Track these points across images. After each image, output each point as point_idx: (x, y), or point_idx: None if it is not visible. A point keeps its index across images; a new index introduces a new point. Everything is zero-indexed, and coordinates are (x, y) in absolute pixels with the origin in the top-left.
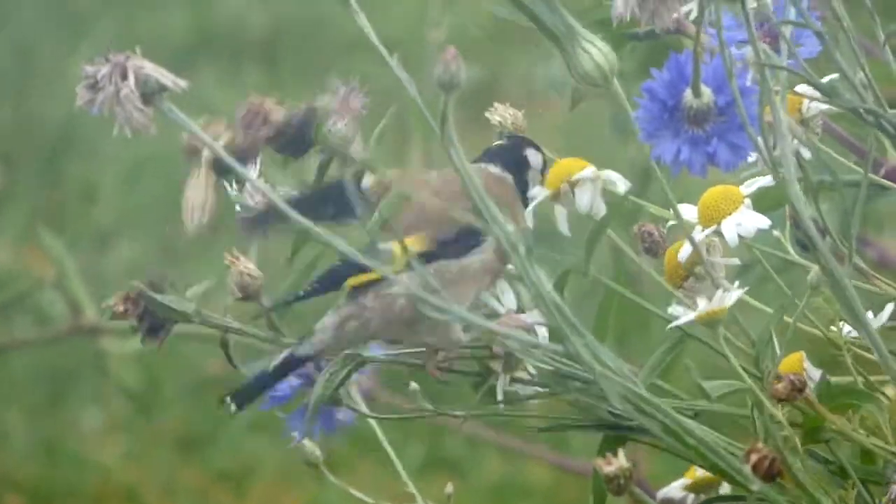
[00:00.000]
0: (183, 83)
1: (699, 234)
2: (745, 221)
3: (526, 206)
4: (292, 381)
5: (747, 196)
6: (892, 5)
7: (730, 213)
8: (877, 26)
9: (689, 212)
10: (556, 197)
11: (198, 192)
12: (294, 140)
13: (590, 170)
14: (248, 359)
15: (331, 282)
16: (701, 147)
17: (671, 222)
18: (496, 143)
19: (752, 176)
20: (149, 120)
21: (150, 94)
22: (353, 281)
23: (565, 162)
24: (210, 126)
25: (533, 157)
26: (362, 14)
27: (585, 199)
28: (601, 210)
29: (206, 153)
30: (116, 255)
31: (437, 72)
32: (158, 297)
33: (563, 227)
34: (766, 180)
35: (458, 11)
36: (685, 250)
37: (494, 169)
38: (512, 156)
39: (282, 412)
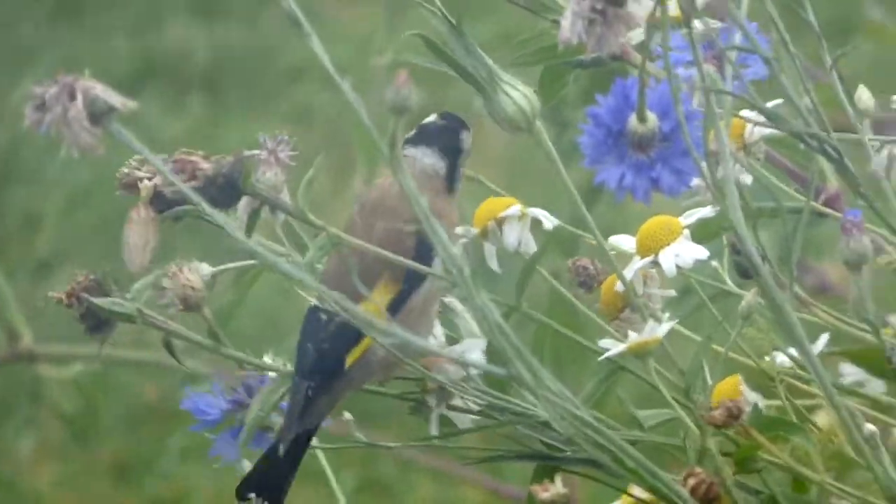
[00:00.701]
0: (132, 104)
1: (637, 264)
2: (684, 252)
3: (453, 190)
4: (222, 403)
5: (687, 227)
6: (837, 29)
7: (668, 244)
8: (823, 50)
9: (627, 242)
10: (484, 235)
11: (139, 232)
12: (223, 190)
13: (515, 208)
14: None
15: (324, 364)
16: (645, 172)
17: (612, 252)
18: (431, 120)
19: (695, 203)
20: (97, 140)
21: (99, 114)
22: (353, 357)
23: (492, 200)
24: (147, 162)
25: (466, 140)
26: (315, 36)
27: (513, 237)
28: (531, 246)
29: (143, 191)
30: (57, 283)
31: (388, 95)
32: (100, 299)
33: (493, 263)
34: (707, 211)
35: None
36: (634, 275)
37: (429, 159)
38: (448, 139)
39: (211, 434)
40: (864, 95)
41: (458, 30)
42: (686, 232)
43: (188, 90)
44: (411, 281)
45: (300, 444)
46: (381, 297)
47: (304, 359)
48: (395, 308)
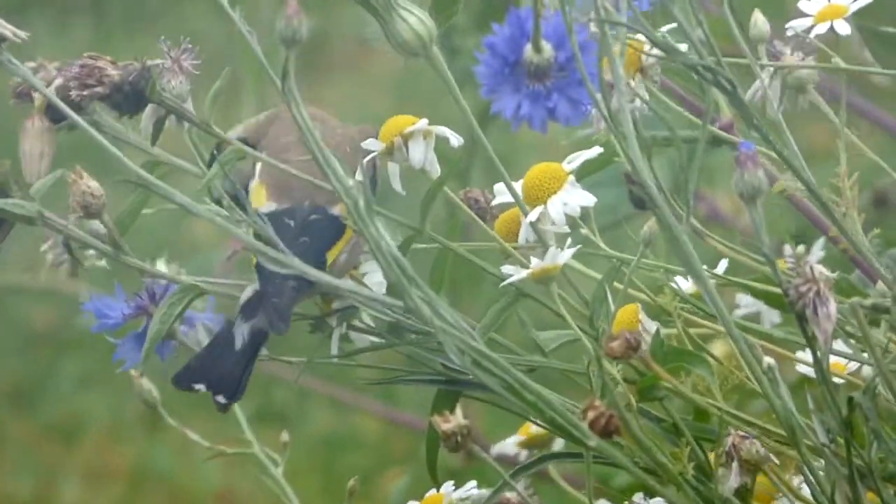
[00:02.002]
0: (22, 34)
1: (527, 217)
2: (571, 199)
3: None
4: (124, 308)
5: (571, 172)
6: None
7: (555, 192)
8: None
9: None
10: (389, 152)
11: (34, 142)
12: (129, 97)
13: (422, 122)
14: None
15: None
16: (541, 102)
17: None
18: None
19: (589, 134)
20: None
21: None
22: (333, 253)
23: (397, 118)
24: (41, 71)
25: None
26: None
27: (419, 153)
28: (434, 166)
29: (37, 101)
30: None
31: (278, 27)
32: (1, 200)
33: (396, 184)
34: (590, 153)
35: None
36: (523, 230)
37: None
38: None
39: (112, 337)
40: (758, 20)
41: None
42: (571, 178)
43: (72, 14)
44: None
45: (259, 338)
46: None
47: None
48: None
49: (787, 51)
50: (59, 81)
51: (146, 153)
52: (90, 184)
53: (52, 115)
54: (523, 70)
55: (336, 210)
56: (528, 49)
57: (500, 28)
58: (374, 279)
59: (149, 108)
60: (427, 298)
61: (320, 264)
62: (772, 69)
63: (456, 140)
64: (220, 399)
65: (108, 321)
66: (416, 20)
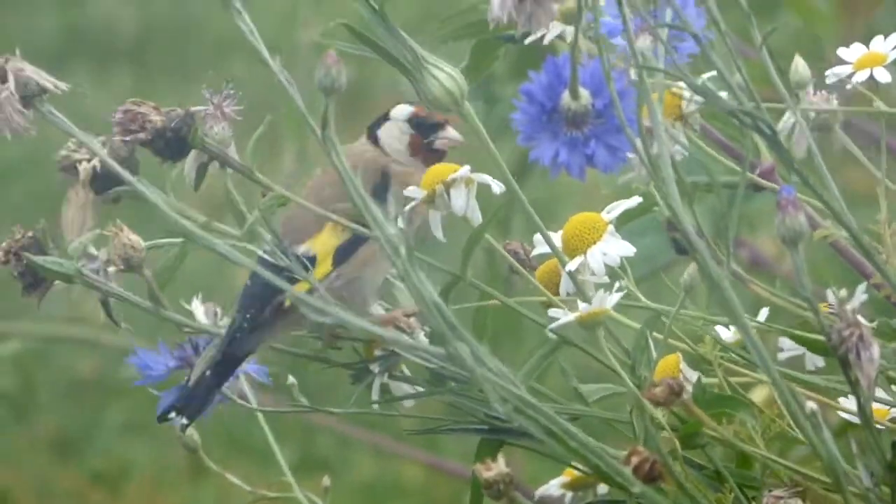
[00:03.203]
0: (63, 85)
1: (568, 268)
2: (611, 250)
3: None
4: (168, 360)
5: (610, 222)
6: (760, 2)
7: (594, 242)
8: (753, 27)
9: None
10: (430, 199)
11: (76, 212)
12: (172, 143)
13: (465, 169)
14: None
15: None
16: (579, 149)
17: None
18: None
19: (630, 179)
20: (28, 122)
21: (31, 96)
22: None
23: (439, 165)
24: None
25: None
26: (245, 14)
27: (460, 201)
28: (476, 213)
29: (82, 171)
30: None
31: (318, 76)
32: (39, 258)
33: (438, 232)
34: (629, 203)
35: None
36: (563, 281)
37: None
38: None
39: (156, 391)
40: (799, 66)
41: (380, 14)
42: (611, 228)
43: (115, 63)
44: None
45: (228, 366)
46: (329, 237)
47: (247, 292)
48: (345, 250)
49: (810, 91)
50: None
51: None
52: (130, 237)
53: (96, 185)
54: (561, 117)
55: (301, 248)
56: (566, 96)
57: (537, 75)
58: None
59: (192, 153)
60: (470, 346)
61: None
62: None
63: (498, 187)
64: (182, 420)
65: (153, 374)
66: (445, 76)
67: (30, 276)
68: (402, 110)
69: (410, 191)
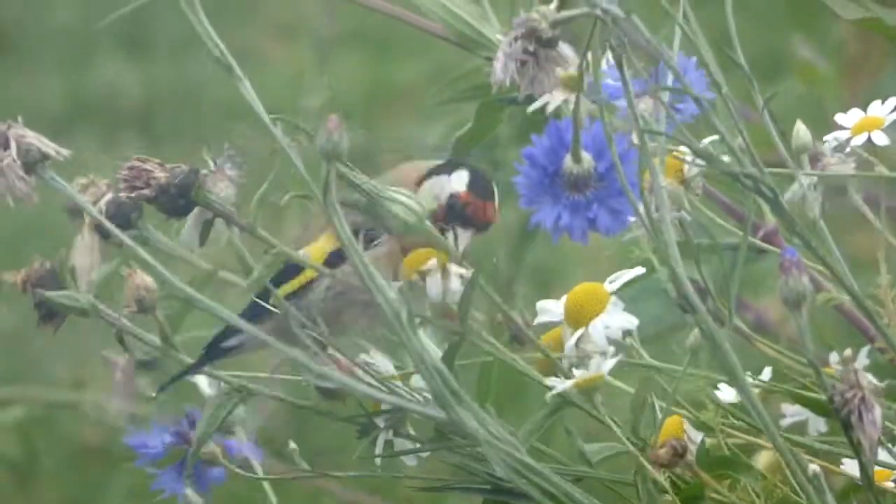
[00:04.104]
0: (65, 152)
1: (570, 341)
2: (613, 322)
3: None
4: (165, 437)
5: (613, 293)
6: (766, 65)
7: (597, 314)
8: (754, 90)
9: (554, 308)
10: (410, 286)
11: (84, 256)
12: (175, 200)
13: (432, 262)
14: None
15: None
16: (581, 213)
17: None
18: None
19: (633, 240)
20: (31, 189)
21: (33, 163)
22: (286, 288)
23: (415, 254)
24: (91, 187)
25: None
26: (246, 81)
27: (434, 289)
28: (455, 296)
29: (88, 217)
30: None
31: (319, 141)
32: (54, 292)
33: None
34: (632, 273)
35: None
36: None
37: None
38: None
39: (154, 469)
40: (801, 130)
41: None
42: (614, 299)
43: (121, 128)
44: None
45: (213, 352)
46: (326, 242)
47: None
48: (338, 254)
49: (828, 154)
50: (108, 197)
51: (193, 266)
52: (144, 278)
53: (103, 229)
54: (563, 181)
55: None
56: (568, 159)
57: (538, 139)
58: (418, 382)
59: (194, 211)
60: (471, 410)
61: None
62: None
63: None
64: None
65: (150, 452)
66: (401, 208)
67: (45, 308)
68: (457, 181)
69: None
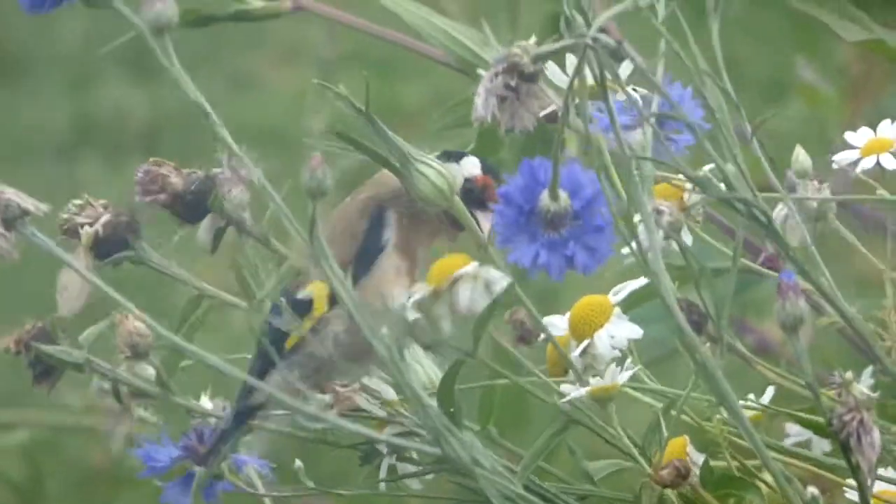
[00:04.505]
0: (44, 207)
1: (575, 351)
2: (618, 332)
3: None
4: (173, 451)
5: (617, 304)
6: (771, 88)
7: (601, 325)
8: (742, 119)
9: (559, 323)
10: (436, 294)
11: (74, 278)
12: (191, 206)
13: (472, 265)
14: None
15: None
16: (559, 250)
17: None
18: None
19: (628, 266)
20: (11, 246)
21: (12, 219)
22: (293, 340)
23: (445, 259)
24: (87, 208)
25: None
26: (223, 128)
27: (465, 296)
28: (479, 306)
29: (84, 238)
30: None
31: (304, 179)
32: (48, 347)
33: (445, 325)
34: (636, 283)
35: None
36: (575, 356)
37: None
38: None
39: (160, 481)
40: (800, 156)
41: (367, 115)
42: (618, 310)
43: (126, 151)
44: (359, 265)
45: (242, 416)
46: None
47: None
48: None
49: (806, 182)
50: (105, 218)
51: (191, 286)
52: (136, 324)
53: (99, 251)
54: (539, 218)
55: (302, 293)
56: (545, 197)
57: (513, 178)
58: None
59: (207, 218)
60: (464, 443)
61: (279, 351)
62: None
63: (504, 282)
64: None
65: (157, 465)
66: (434, 173)
67: (40, 366)
68: (470, 166)
69: (417, 287)
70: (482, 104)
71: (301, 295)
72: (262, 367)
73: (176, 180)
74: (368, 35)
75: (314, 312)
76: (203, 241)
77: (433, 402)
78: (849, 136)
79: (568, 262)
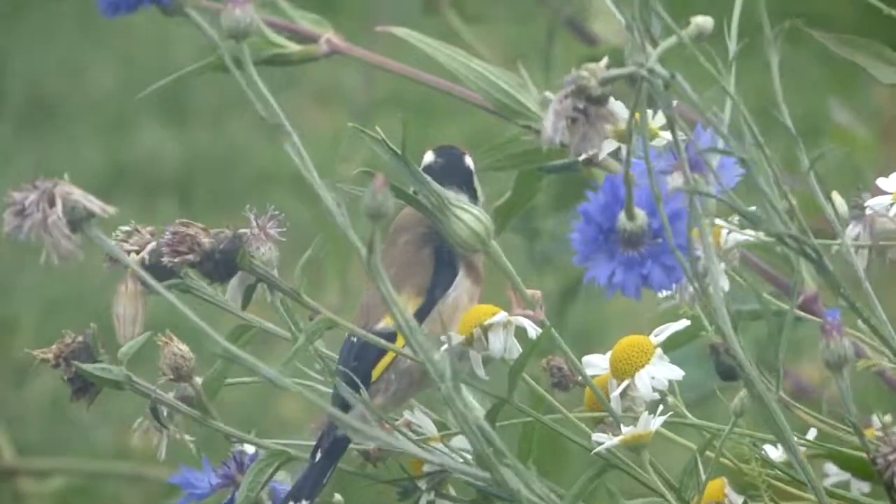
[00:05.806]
0: (111, 209)
1: (615, 391)
2: (658, 374)
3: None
4: (212, 479)
5: (658, 345)
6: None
7: (642, 366)
8: (801, 151)
9: (599, 362)
10: (469, 343)
11: (127, 306)
12: (219, 265)
13: (502, 315)
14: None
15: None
16: (636, 269)
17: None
18: (436, 159)
19: (671, 306)
20: (76, 247)
21: (78, 220)
22: (378, 371)
23: (477, 308)
24: (135, 234)
25: (470, 162)
26: (295, 136)
27: (498, 344)
28: (514, 352)
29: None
30: (35, 389)
31: (365, 200)
32: (88, 365)
33: (479, 370)
34: (677, 325)
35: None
36: (614, 399)
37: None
38: (458, 173)
39: None
40: (837, 201)
41: (403, 159)
42: (659, 351)
43: (158, 195)
44: (435, 290)
45: (338, 447)
46: (405, 306)
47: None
48: (420, 317)
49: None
50: (151, 246)
51: (237, 317)
52: (180, 346)
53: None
54: (617, 237)
55: (380, 325)
56: (622, 216)
57: (594, 195)
58: (460, 443)
59: (236, 276)
60: (515, 470)
61: (366, 381)
62: (859, 230)
63: (534, 330)
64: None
65: (196, 492)
66: (471, 218)
67: (79, 382)
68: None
69: (451, 335)
70: (551, 126)
71: (380, 327)
72: (344, 401)
73: (205, 240)
74: (403, 79)
75: (397, 343)
76: (233, 299)
77: (485, 424)
78: (881, 182)
79: (644, 281)
